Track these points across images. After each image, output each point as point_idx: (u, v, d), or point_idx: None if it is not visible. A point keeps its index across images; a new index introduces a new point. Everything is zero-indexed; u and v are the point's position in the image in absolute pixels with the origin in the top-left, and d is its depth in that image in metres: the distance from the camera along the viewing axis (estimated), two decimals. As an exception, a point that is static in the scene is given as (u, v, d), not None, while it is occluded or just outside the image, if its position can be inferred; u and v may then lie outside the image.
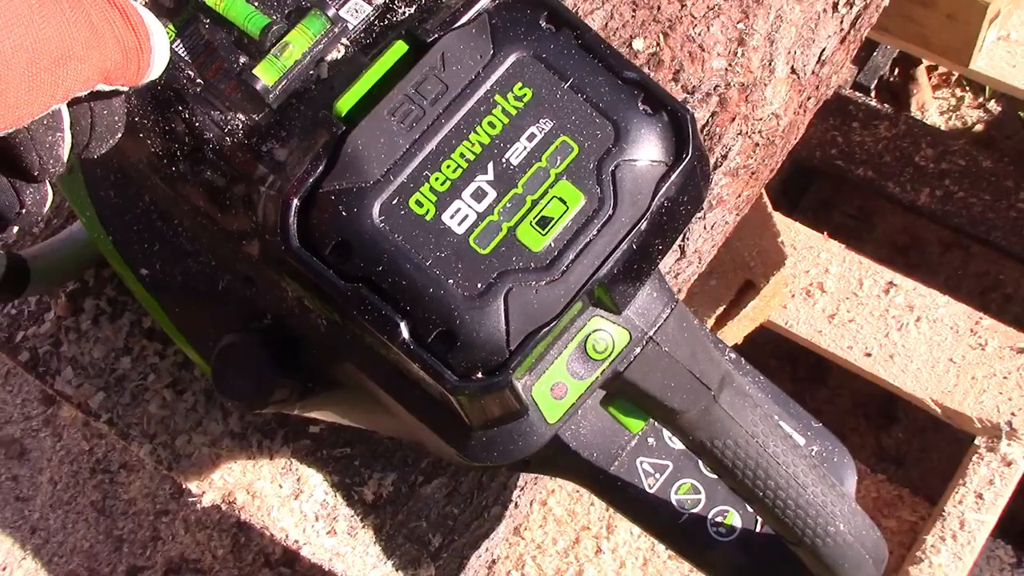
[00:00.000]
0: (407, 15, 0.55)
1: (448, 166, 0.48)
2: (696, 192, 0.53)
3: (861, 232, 1.69)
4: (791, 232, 1.26)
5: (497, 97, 0.49)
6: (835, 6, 0.99)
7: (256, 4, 0.55)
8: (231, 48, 0.55)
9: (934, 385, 1.17)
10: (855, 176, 1.54)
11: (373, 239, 0.47)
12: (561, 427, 0.53)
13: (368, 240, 0.47)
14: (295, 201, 0.48)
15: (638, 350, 0.54)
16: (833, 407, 1.55)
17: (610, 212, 0.49)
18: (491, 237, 0.48)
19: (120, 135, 0.51)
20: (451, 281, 0.47)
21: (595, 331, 0.52)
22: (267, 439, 0.72)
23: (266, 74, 0.53)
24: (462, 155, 0.48)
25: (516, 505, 0.89)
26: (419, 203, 0.48)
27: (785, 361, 1.53)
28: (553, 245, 0.48)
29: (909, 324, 1.21)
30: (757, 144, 0.97)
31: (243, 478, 0.71)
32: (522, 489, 0.88)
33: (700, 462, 0.68)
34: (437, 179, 0.48)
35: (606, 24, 0.86)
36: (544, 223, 0.48)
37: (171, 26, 0.56)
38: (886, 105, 1.60)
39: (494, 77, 0.49)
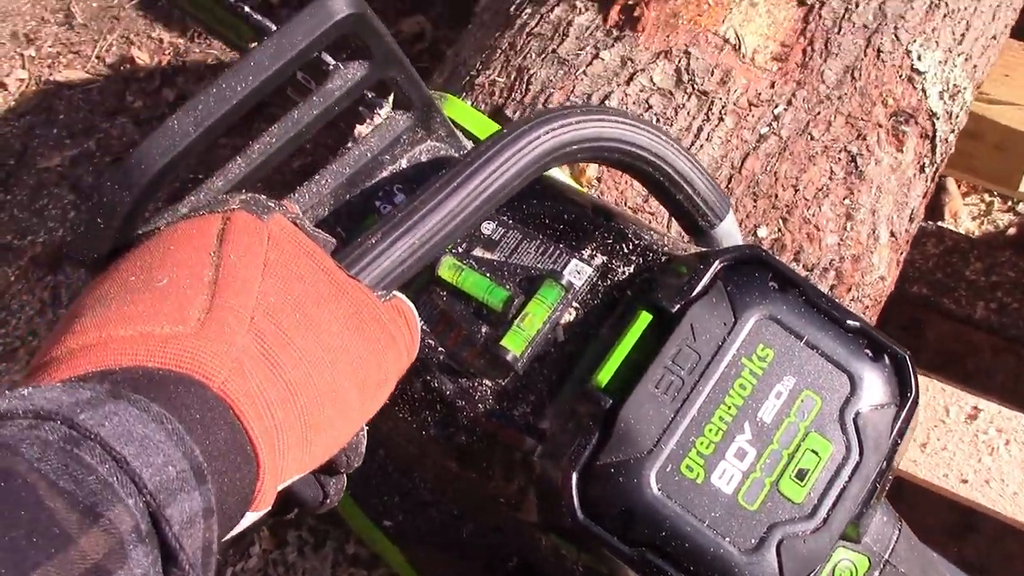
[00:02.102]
0: (627, 274, 0.60)
1: (710, 429, 0.52)
2: (915, 420, 0.57)
3: (913, 343, 1.73)
4: (872, 364, 1.31)
5: (744, 360, 0.54)
6: (922, 168, 1.06)
7: (488, 275, 0.60)
8: (471, 318, 0.59)
9: (1033, 507, 1.21)
10: (910, 294, 1.60)
11: (654, 507, 0.51)
12: (818, 656, 0.56)
13: (649, 509, 0.51)
14: (574, 475, 0.52)
15: (876, 573, 0.57)
16: (913, 523, 1.57)
17: (857, 459, 0.53)
18: (757, 493, 0.52)
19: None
20: (727, 539, 0.51)
21: (840, 561, 0.56)
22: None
23: (513, 344, 0.57)
24: (721, 418, 0.53)
25: None
26: (689, 468, 0.52)
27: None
28: (812, 495, 0.52)
29: (999, 448, 1.25)
30: (867, 307, 1.02)
31: None
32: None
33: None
34: (702, 443, 0.52)
35: (731, 215, 0.91)
36: (801, 475, 0.53)
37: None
38: (930, 222, 1.67)
39: (738, 341, 0.54)
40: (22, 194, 2.13)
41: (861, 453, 0.53)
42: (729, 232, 0.64)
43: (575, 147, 0.56)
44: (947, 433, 1.27)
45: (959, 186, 1.92)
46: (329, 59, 0.68)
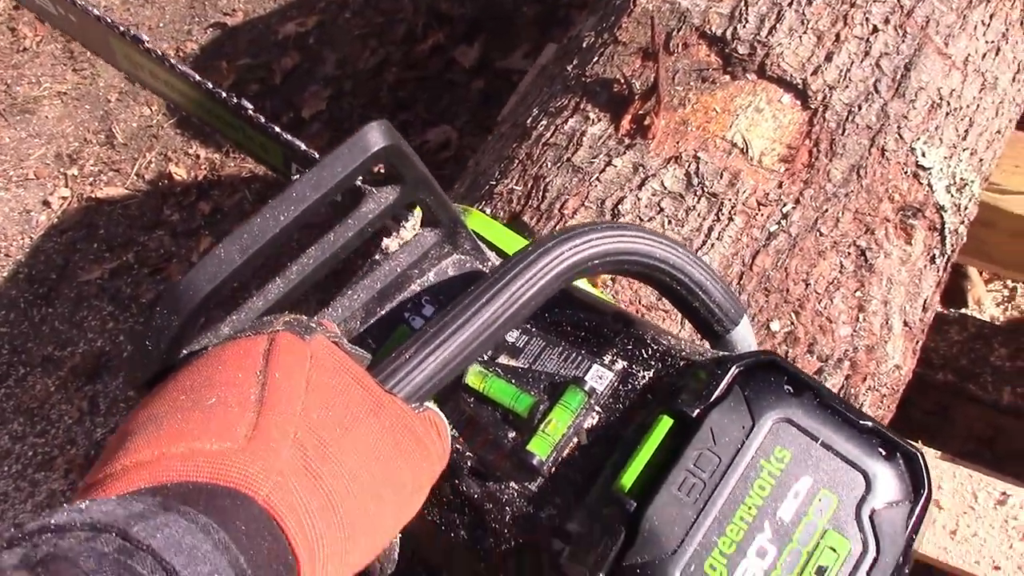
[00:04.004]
0: (647, 378, 0.63)
1: (732, 529, 0.54)
2: (927, 515, 0.59)
3: (942, 427, 1.74)
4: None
5: (762, 462, 0.56)
6: (932, 259, 1.09)
7: (513, 382, 0.63)
8: (497, 424, 0.62)
9: (1070, 595, 1.20)
10: (936, 381, 1.61)
11: (679, 606, 0.53)
12: None
13: (675, 608, 0.53)
14: (602, 576, 0.54)
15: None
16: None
17: (874, 555, 0.55)
18: (779, 591, 0.54)
19: None
20: (752, 639, 0.53)
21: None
22: None
23: (539, 449, 0.60)
24: (742, 518, 0.55)
25: None
26: (712, 567, 0.54)
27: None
28: (833, 592, 0.54)
29: (1031, 535, 1.24)
30: (884, 396, 1.04)
31: None
32: None
33: None
34: (724, 542, 0.54)
35: (746, 313, 0.94)
36: (821, 572, 0.54)
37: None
38: (952, 310, 1.69)
39: (756, 444, 0.56)
40: (63, 307, 2.20)
41: (878, 549, 0.55)
42: (744, 336, 0.66)
43: (597, 262, 0.59)
44: (977, 519, 1.26)
45: (981, 273, 1.93)
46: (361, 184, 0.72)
